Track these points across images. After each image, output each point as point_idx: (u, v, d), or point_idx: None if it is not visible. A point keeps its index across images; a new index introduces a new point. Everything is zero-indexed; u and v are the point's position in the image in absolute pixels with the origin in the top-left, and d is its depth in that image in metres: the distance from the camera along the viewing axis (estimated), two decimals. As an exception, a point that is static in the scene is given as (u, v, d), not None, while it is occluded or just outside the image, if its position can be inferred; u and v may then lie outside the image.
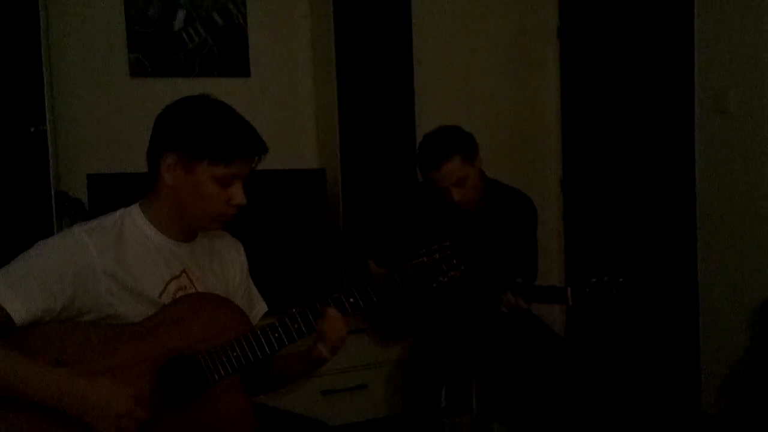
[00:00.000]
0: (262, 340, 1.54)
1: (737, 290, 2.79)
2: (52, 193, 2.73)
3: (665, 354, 3.17)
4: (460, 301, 2.54)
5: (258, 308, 1.79)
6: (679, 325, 3.07)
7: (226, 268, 1.71)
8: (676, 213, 3.08)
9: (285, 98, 3.41)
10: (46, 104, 2.73)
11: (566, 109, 3.71)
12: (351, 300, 1.59)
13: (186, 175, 1.51)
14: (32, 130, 2.71)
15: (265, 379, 1.71)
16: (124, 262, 1.50)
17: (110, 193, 2.75)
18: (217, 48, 3.27)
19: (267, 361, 1.59)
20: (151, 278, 1.53)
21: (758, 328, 2.68)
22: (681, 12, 2.96)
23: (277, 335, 1.55)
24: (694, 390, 2.99)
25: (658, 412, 3.11)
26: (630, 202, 3.35)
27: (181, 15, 3.21)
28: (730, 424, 2.79)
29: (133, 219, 1.56)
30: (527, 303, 2.32)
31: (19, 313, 1.36)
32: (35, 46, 2.71)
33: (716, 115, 2.83)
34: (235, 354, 1.52)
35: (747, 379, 2.64)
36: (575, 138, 3.68)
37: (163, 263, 1.56)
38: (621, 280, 2.17)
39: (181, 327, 1.51)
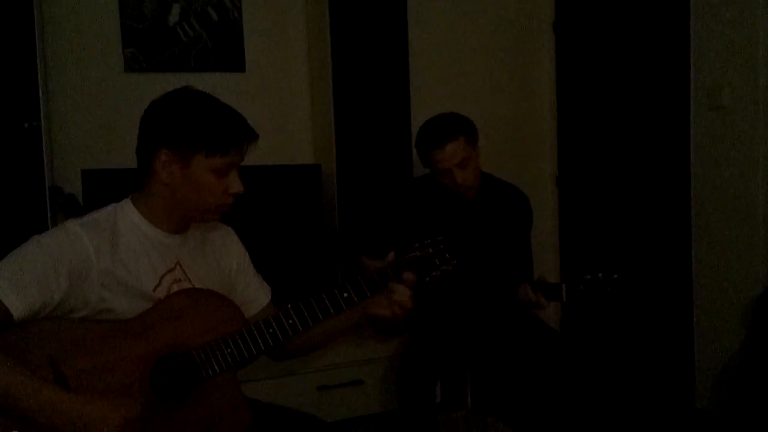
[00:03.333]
0: (257, 335, 1.54)
1: (731, 286, 2.79)
2: (47, 188, 2.73)
3: (659, 349, 3.18)
4: (455, 296, 2.54)
5: (266, 293, 1.80)
6: (674, 321, 3.08)
7: (220, 257, 1.71)
8: (671, 209, 3.09)
9: (280, 93, 3.40)
10: (41, 100, 2.72)
11: (561, 104, 3.70)
12: (345, 295, 1.58)
13: (183, 169, 1.51)
14: (26, 125, 2.71)
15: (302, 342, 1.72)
16: (118, 256, 1.50)
17: (104, 188, 2.74)
18: (212, 43, 3.26)
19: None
20: (146, 272, 1.53)
21: (752, 323, 2.69)
22: (676, 7, 2.96)
23: (271, 331, 1.55)
24: (688, 385, 2.99)
25: (652, 407, 3.11)
26: (625, 199, 3.35)
27: (175, 10, 3.20)
28: (723, 419, 2.80)
29: (126, 213, 1.56)
30: (548, 300, 2.29)
31: (17, 308, 1.36)
32: (29, 41, 2.70)
33: (711, 110, 2.83)
34: (229, 350, 1.52)
35: (741, 374, 2.64)
36: (570, 134, 3.67)
37: (157, 256, 1.56)
38: (615, 276, 2.17)
39: (175, 323, 1.51)
